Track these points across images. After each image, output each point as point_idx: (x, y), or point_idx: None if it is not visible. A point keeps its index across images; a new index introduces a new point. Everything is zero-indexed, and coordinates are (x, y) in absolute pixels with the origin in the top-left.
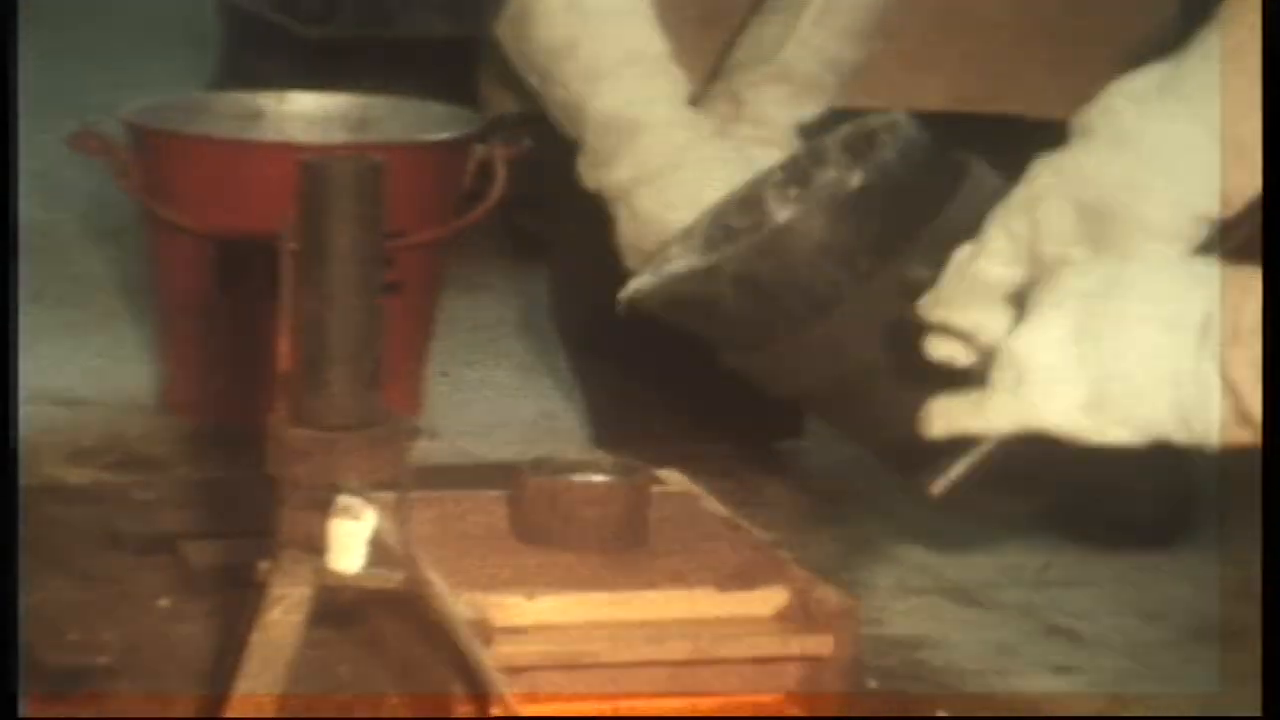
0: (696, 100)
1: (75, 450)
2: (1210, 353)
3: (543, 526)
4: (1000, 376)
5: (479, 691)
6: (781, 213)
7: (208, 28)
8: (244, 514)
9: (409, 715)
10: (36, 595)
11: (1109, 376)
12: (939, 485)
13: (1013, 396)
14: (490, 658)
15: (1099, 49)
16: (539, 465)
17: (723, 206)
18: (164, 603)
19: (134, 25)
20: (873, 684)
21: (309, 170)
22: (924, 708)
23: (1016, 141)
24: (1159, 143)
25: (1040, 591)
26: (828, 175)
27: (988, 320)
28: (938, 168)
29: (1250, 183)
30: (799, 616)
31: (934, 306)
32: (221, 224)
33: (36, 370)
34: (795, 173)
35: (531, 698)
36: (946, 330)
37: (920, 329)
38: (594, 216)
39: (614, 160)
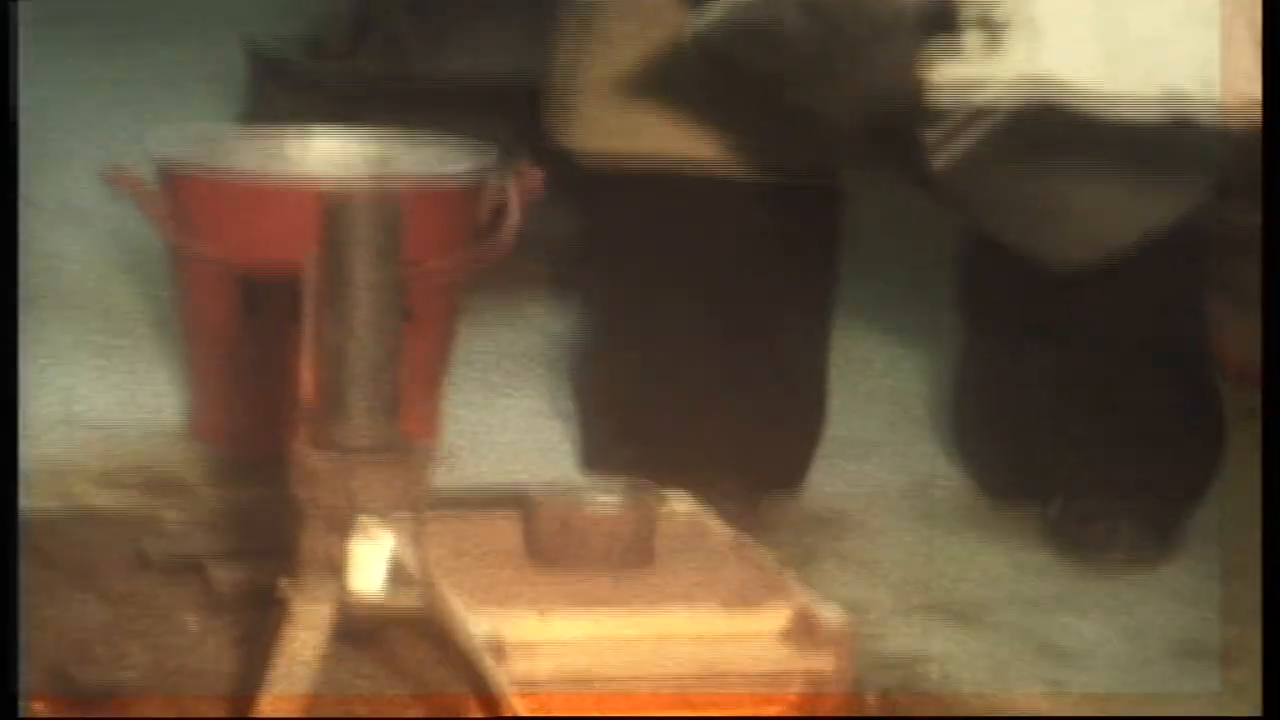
0: None
1: (105, 472)
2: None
3: (554, 547)
4: (1016, 26)
5: (491, 708)
6: None
7: (236, 67)
8: (268, 535)
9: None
10: (68, 614)
11: (1127, 22)
12: (941, 160)
13: (1027, 45)
14: (503, 674)
15: None
16: (550, 488)
17: None
18: (191, 621)
19: (164, 63)
20: (871, 699)
21: (330, 205)
22: None
23: None
24: None
25: (1035, 611)
26: None
27: None
28: None
29: None
30: (802, 634)
31: None
32: (246, 257)
33: (68, 395)
34: None
35: (544, 712)
36: None
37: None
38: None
39: None
